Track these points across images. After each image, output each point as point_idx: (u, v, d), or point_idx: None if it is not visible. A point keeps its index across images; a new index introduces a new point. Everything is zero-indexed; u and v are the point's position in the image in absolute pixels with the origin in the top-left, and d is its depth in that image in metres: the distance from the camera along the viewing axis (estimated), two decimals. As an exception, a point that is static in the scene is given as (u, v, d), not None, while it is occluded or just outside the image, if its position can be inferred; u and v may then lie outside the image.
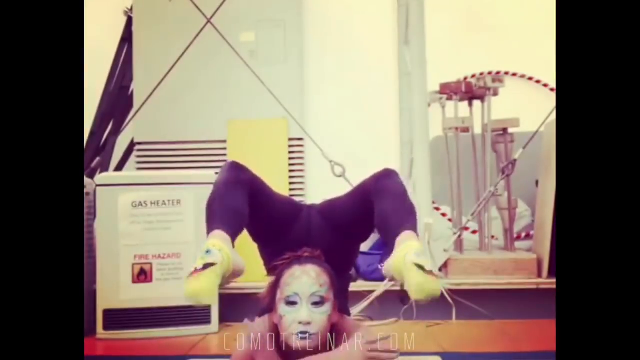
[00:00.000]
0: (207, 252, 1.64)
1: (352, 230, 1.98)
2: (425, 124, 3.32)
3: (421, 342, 2.46)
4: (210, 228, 1.75)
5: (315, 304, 1.71)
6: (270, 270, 1.89)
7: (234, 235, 1.75)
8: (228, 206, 1.80)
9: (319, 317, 1.71)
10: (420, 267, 1.58)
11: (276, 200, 1.98)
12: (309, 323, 1.69)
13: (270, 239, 1.99)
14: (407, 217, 1.81)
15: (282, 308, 1.73)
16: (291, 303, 1.72)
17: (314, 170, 3.61)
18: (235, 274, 1.72)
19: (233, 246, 1.72)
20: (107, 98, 3.79)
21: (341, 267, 1.95)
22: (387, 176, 1.90)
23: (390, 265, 1.68)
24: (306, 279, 1.72)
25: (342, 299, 1.94)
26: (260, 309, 1.90)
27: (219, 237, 1.69)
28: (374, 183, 1.88)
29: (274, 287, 1.79)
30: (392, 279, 1.75)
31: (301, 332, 1.69)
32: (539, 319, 2.85)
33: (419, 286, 1.56)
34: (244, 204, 1.83)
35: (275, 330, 1.78)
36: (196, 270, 1.60)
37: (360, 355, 1.72)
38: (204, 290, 1.58)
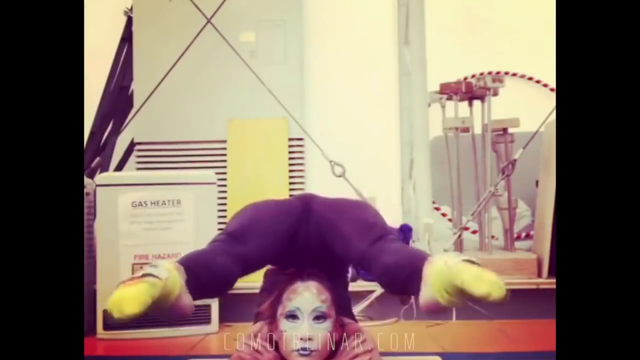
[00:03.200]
0: (153, 266, 1.52)
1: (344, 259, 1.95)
2: (425, 124, 3.33)
3: (421, 342, 2.46)
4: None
5: (317, 319, 1.70)
6: (270, 287, 1.90)
7: (196, 286, 1.58)
8: (201, 260, 1.68)
9: (321, 333, 1.69)
10: (470, 262, 1.48)
11: (272, 244, 1.84)
12: (310, 339, 1.67)
13: (281, 249, 1.93)
14: (420, 256, 1.68)
15: (283, 323, 1.72)
16: (292, 317, 1.70)
17: (314, 170, 3.61)
18: (176, 307, 1.53)
19: (187, 289, 1.54)
20: (107, 98, 3.79)
21: (337, 272, 1.97)
22: (380, 239, 1.78)
23: (430, 283, 1.51)
24: (308, 295, 1.71)
25: (345, 304, 1.95)
26: (255, 318, 1.91)
27: (175, 266, 1.56)
28: (366, 248, 1.77)
29: (275, 302, 1.77)
30: (435, 308, 1.54)
31: (302, 349, 1.67)
32: (539, 319, 2.85)
33: (477, 277, 1.43)
34: (226, 271, 1.70)
35: (272, 336, 1.77)
36: (132, 278, 1.47)
37: None
38: (129, 299, 1.42)
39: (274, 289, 1.84)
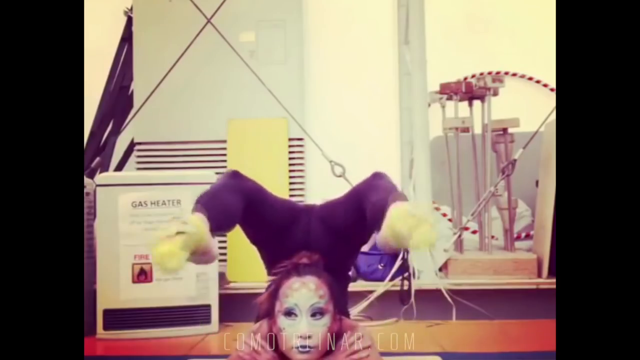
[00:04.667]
0: (184, 222, 1.66)
1: (350, 234, 1.97)
2: (425, 124, 3.32)
3: (421, 342, 2.46)
4: (193, 211, 1.77)
5: (315, 315, 1.71)
6: (270, 276, 1.90)
7: (215, 228, 1.74)
8: (217, 203, 1.82)
9: (319, 330, 1.71)
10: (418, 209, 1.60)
11: (275, 205, 1.98)
12: (309, 336, 1.69)
13: (269, 244, 1.99)
14: (397, 197, 1.74)
15: (281, 320, 1.73)
16: (290, 314, 1.72)
17: (314, 170, 3.61)
18: (207, 255, 1.70)
19: (210, 236, 1.71)
20: (107, 98, 3.78)
21: (340, 269, 1.97)
22: (377, 176, 1.90)
23: (385, 223, 1.63)
24: (305, 291, 1.72)
25: (342, 301, 1.94)
26: (256, 315, 1.90)
27: (199, 217, 1.71)
28: (364, 185, 1.89)
29: (272, 296, 1.78)
30: (384, 246, 1.70)
31: (301, 346, 1.69)
32: (539, 319, 2.85)
33: (400, 217, 1.58)
34: (236, 207, 1.84)
35: (271, 336, 1.78)
36: (168, 237, 1.62)
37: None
38: (170, 254, 1.59)
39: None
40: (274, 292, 1.78)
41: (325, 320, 1.72)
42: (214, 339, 2.66)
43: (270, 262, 1.98)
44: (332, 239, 1.94)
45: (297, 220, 1.97)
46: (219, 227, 1.77)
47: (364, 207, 1.83)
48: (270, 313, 1.78)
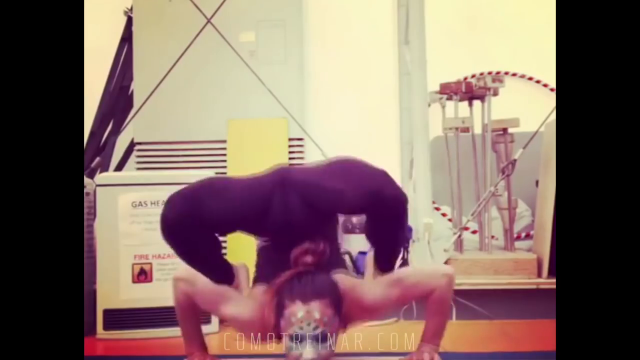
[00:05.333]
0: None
1: (334, 215, 2.05)
2: (425, 124, 3.32)
3: (421, 342, 2.46)
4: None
5: (320, 340, 1.75)
6: (265, 264, 1.99)
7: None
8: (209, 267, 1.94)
9: (324, 351, 1.76)
10: None
11: (244, 197, 1.91)
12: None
13: (250, 229, 1.99)
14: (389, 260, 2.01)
15: (286, 341, 1.77)
16: (296, 339, 1.75)
17: (314, 170, 3.60)
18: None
19: None
20: (107, 98, 3.78)
21: (327, 225, 2.01)
22: (392, 207, 1.87)
23: None
24: (310, 321, 1.75)
25: (337, 256, 2.03)
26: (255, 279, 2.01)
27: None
28: (371, 205, 1.84)
29: (277, 306, 1.81)
30: None
31: None
32: (539, 319, 2.84)
33: None
34: (218, 249, 1.94)
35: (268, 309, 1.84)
36: None
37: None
38: None
39: (269, 271, 1.91)
40: (278, 305, 1.81)
41: (330, 341, 1.77)
42: (214, 339, 2.66)
43: (258, 237, 2.05)
44: (315, 217, 1.92)
45: (271, 202, 1.89)
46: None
47: (358, 210, 1.89)
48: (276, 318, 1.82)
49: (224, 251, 2.84)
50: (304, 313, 1.74)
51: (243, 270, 2.05)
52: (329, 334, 1.76)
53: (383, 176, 1.86)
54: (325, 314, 1.75)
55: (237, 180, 1.99)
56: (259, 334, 1.90)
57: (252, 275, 2.09)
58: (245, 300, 1.94)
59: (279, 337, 1.83)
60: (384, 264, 2.01)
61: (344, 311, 1.85)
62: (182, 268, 2.00)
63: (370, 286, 1.95)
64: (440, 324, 2.01)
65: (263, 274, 2.02)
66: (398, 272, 2.02)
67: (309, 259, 1.83)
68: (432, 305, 1.98)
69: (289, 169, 2.03)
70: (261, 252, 2.09)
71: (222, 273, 1.97)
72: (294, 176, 1.94)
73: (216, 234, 1.93)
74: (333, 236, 2.10)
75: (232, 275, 2.00)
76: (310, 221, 1.90)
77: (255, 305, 1.90)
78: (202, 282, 1.95)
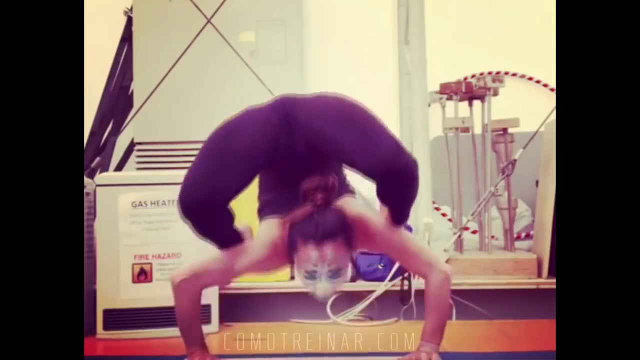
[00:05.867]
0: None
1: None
2: (425, 124, 3.32)
3: (421, 342, 2.46)
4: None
5: (334, 276, 1.82)
6: (267, 189, 2.04)
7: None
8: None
9: (338, 285, 1.85)
10: None
11: (250, 159, 1.90)
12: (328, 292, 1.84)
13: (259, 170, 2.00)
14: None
15: (301, 275, 1.85)
16: (310, 276, 1.82)
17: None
18: None
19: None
20: (107, 98, 3.78)
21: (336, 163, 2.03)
22: (403, 178, 1.87)
23: None
24: (324, 262, 1.80)
25: (344, 184, 2.06)
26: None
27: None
28: (381, 175, 1.84)
29: (289, 243, 1.86)
30: None
31: (322, 297, 1.88)
32: (539, 319, 2.84)
33: None
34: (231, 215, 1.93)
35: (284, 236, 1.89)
36: None
37: None
38: None
39: (275, 205, 1.96)
40: (290, 234, 1.85)
41: (343, 275, 1.85)
42: (214, 338, 2.66)
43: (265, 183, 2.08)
44: (321, 160, 1.93)
45: (278, 142, 1.89)
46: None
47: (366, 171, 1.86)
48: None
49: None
50: (317, 255, 1.79)
51: (248, 233, 2.05)
52: (342, 271, 1.84)
53: (394, 147, 1.85)
54: (339, 253, 1.80)
55: (238, 133, 1.92)
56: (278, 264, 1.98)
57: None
58: (253, 244, 1.98)
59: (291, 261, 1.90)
60: (397, 219, 1.98)
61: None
62: (177, 270, 2.07)
63: (378, 221, 1.97)
64: (437, 322, 2.02)
65: (268, 206, 2.03)
66: (408, 235, 2.07)
67: (319, 195, 1.83)
68: (428, 302, 2.01)
69: (292, 103, 1.95)
70: (264, 179, 2.08)
71: (232, 242, 1.97)
72: (298, 115, 1.90)
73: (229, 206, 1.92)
74: (339, 166, 2.09)
75: (242, 241, 1.99)
76: (317, 158, 1.91)
77: (266, 241, 1.94)
78: (202, 267, 2.00)
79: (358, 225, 1.91)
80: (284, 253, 1.90)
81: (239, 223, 2.01)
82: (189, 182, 1.89)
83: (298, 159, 1.91)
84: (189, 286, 2.00)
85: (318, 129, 1.88)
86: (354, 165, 1.88)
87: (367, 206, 2.10)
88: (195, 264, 2.02)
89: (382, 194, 1.92)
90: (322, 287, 1.82)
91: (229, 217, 1.94)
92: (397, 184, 1.86)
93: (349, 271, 3.12)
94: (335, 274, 1.82)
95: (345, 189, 2.08)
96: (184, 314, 2.04)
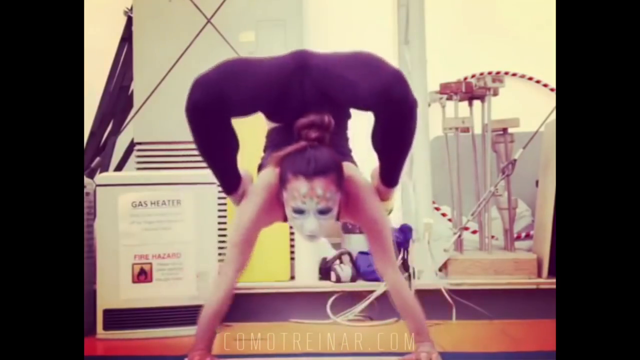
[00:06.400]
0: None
1: (347, 110, 2.06)
2: (425, 124, 3.32)
3: (421, 342, 2.46)
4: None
5: (323, 213, 1.79)
6: (274, 146, 2.00)
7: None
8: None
9: (326, 223, 1.82)
10: None
11: (262, 81, 1.91)
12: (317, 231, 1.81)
13: (264, 109, 2.01)
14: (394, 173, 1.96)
15: (289, 212, 1.83)
16: (299, 212, 1.80)
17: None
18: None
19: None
20: (107, 98, 3.78)
21: (340, 115, 2.01)
22: (402, 110, 1.83)
23: None
24: (313, 197, 1.77)
25: (343, 145, 2.05)
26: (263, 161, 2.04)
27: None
28: (379, 105, 1.83)
29: (280, 179, 1.84)
30: None
31: (309, 236, 1.84)
32: (539, 319, 2.85)
33: None
34: (234, 139, 1.94)
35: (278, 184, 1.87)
36: None
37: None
38: None
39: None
40: (281, 171, 1.84)
41: (332, 213, 1.81)
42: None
43: (270, 119, 2.07)
44: (329, 105, 1.92)
45: (290, 85, 1.92)
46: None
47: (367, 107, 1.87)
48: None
49: (223, 250, 2.81)
50: (307, 189, 1.77)
51: (248, 177, 2.05)
52: (330, 207, 1.79)
53: (396, 76, 1.83)
54: (328, 190, 1.78)
55: (256, 62, 1.96)
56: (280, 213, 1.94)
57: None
58: (252, 188, 1.97)
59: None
60: (388, 176, 1.97)
61: (342, 198, 1.87)
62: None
63: (368, 189, 1.96)
64: (416, 320, 2.00)
65: (273, 158, 2.00)
66: (388, 226, 2.03)
67: (313, 132, 1.83)
68: (397, 303, 2.01)
69: (309, 54, 2.02)
70: (271, 135, 2.08)
71: (231, 176, 1.98)
72: (312, 62, 1.96)
73: (235, 133, 1.93)
74: (344, 126, 2.09)
75: (239, 182, 2.00)
76: (324, 108, 1.90)
77: (264, 185, 1.93)
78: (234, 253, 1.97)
79: (347, 185, 1.89)
80: (280, 197, 1.88)
81: (240, 168, 2.02)
82: (194, 87, 1.88)
83: (306, 103, 1.91)
84: (227, 271, 2.01)
85: (327, 68, 1.94)
86: (357, 100, 1.88)
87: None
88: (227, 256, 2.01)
89: (378, 132, 1.89)
90: (309, 222, 1.78)
91: (233, 142, 1.93)
92: (395, 117, 1.83)
93: (349, 271, 3.12)
94: (325, 211, 1.79)
95: (346, 156, 2.05)
96: (211, 310, 2.08)
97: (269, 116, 2.05)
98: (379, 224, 1.96)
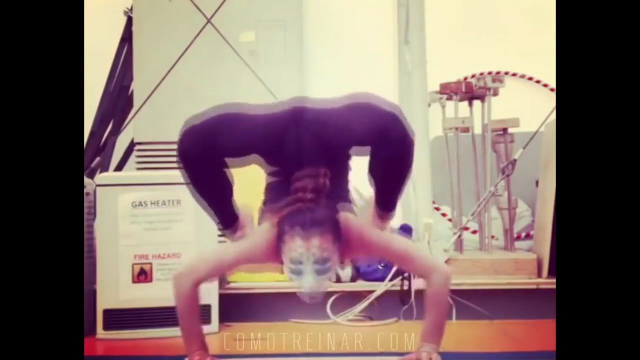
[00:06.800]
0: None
1: (345, 152, 2.01)
2: (425, 124, 3.32)
3: (421, 342, 2.46)
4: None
5: (320, 271, 1.78)
6: (272, 202, 1.98)
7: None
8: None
9: (324, 282, 1.81)
10: None
11: (257, 127, 1.93)
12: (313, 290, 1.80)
13: (261, 159, 2.00)
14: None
15: (287, 270, 1.82)
16: (296, 270, 1.79)
17: (313, 170, 3.60)
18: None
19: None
20: (107, 98, 3.78)
21: (338, 163, 2.00)
22: (400, 146, 1.84)
23: None
24: (310, 253, 1.77)
25: (345, 194, 2.02)
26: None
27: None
28: (377, 143, 1.83)
29: (278, 237, 1.85)
30: None
31: (309, 297, 1.82)
32: (539, 319, 2.84)
33: None
34: (229, 186, 1.96)
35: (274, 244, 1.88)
36: None
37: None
38: None
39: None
40: (279, 232, 1.84)
41: (330, 272, 1.80)
42: (214, 338, 2.66)
43: (267, 172, 2.05)
44: (327, 154, 1.92)
45: (285, 136, 1.92)
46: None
47: (366, 145, 1.86)
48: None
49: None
50: (303, 249, 1.77)
51: (247, 216, 2.06)
52: (328, 266, 1.79)
53: (394, 114, 1.84)
54: (325, 248, 1.78)
55: (252, 114, 1.96)
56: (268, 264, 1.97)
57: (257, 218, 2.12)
58: (249, 238, 1.98)
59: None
60: (385, 205, 1.98)
61: (344, 246, 1.87)
62: (180, 267, 2.05)
63: (373, 231, 1.98)
64: (436, 322, 2.02)
65: (270, 210, 2.02)
66: (407, 241, 2.07)
67: (308, 194, 1.84)
68: (428, 302, 2.01)
69: (304, 102, 2.00)
70: (269, 189, 2.08)
71: (228, 213, 1.99)
72: (308, 110, 1.95)
73: (228, 172, 1.95)
74: (343, 174, 2.08)
75: (236, 218, 2.01)
76: (322, 159, 1.91)
77: (261, 239, 1.94)
78: (199, 261, 2.03)
79: (347, 233, 1.90)
80: (277, 251, 1.89)
81: (243, 207, 2.03)
82: (187, 132, 1.93)
83: (303, 154, 1.91)
84: (185, 280, 2.00)
85: (322, 114, 1.93)
86: (355, 139, 1.87)
87: (366, 206, 2.07)
88: (192, 258, 2.04)
89: (374, 167, 1.90)
90: (308, 282, 1.78)
91: (227, 182, 1.94)
92: (393, 154, 1.84)
93: (349, 271, 3.12)
94: (322, 269, 1.79)
95: (345, 203, 2.04)
96: (183, 310, 2.04)
97: (264, 164, 2.04)
98: (392, 244, 1.99)
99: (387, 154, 1.84)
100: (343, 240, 1.87)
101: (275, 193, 2.01)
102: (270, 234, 1.91)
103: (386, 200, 1.98)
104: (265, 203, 2.09)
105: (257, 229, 2.02)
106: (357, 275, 3.19)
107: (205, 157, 1.87)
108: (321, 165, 1.88)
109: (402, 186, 1.95)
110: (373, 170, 1.91)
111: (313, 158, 1.90)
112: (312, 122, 1.92)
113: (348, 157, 2.06)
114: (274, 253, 1.91)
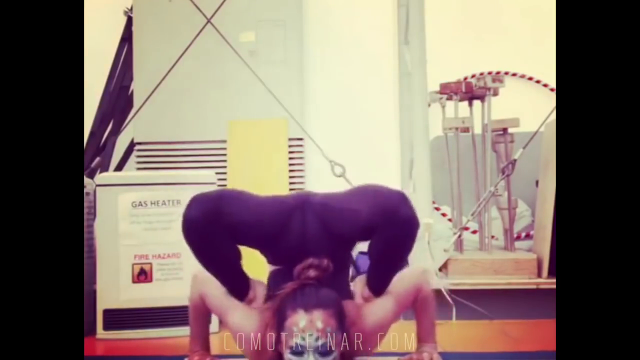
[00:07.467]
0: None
1: (352, 240, 2.00)
2: (425, 124, 3.32)
3: (421, 342, 2.46)
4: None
5: (323, 354, 1.68)
6: (271, 297, 1.88)
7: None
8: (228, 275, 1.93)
9: None
10: None
11: (263, 213, 1.92)
12: None
13: (265, 248, 1.98)
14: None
15: (287, 356, 1.70)
16: (297, 353, 1.68)
17: (313, 170, 3.61)
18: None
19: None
20: (107, 98, 3.79)
21: (339, 265, 1.94)
22: (404, 228, 1.84)
23: None
24: (312, 332, 1.67)
25: (347, 295, 1.96)
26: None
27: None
28: (384, 222, 1.82)
29: (278, 321, 1.75)
30: None
31: None
32: (539, 319, 2.85)
33: None
34: (235, 256, 1.91)
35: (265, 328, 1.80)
36: None
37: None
38: None
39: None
40: (277, 318, 1.75)
41: (334, 355, 1.69)
42: (214, 339, 2.65)
43: (271, 260, 2.00)
44: (331, 242, 1.91)
45: (290, 220, 1.91)
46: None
47: (370, 230, 1.85)
48: (275, 327, 1.76)
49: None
50: (306, 322, 1.67)
51: (260, 286, 1.99)
52: (331, 346, 1.68)
53: (399, 197, 1.84)
54: (329, 325, 1.68)
55: (257, 196, 1.97)
56: (257, 351, 1.84)
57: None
58: (251, 314, 1.89)
59: (280, 357, 1.75)
60: (378, 283, 1.96)
61: (350, 339, 1.80)
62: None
63: (369, 308, 1.93)
64: (431, 321, 2.05)
65: (271, 298, 1.93)
66: (390, 298, 1.99)
67: (311, 272, 1.77)
68: (420, 304, 2.02)
69: (310, 193, 2.02)
70: (272, 278, 2.02)
71: (238, 283, 1.95)
72: (314, 199, 1.96)
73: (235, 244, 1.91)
74: (345, 265, 2.07)
75: (248, 288, 1.96)
76: (327, 247, 1.89)
77: (260, 321, 1.84)
78: (214, 285, 1.95)
79: (356, 324, 1.86)
80: (270, 339, 1.79)
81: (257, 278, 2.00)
82: (197, 199, 1.85)
83: (308, 242, 1.89)
84: (196, 287, 2.00)
85: (329, 203, 1.94)
86: (361, 224, 1.86)
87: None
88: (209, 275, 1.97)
89: (377, 246, 1.88)
90: None
91: (235, 251, 1.90)
92: (398, 235, 1.84)
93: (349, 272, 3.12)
94: (325, 351, 1.67)
95: (347, 292, 1.99)
96: (191, 311, 2.04)
97: (268, 251, 2.00)
98: (396, 314, 2.00)
99: (393, 233, 1.82)
100: (347, 325, 1.79)
101: (278, 281, 1.91)
102: (265, 322, 1.82)
103: (379, 281, 1.96)
104: (268, 290, 2.00)
105: (258, 311, 1.92)
106: (357, 275, 3.19)
107: (212, 222, 1.81)
108: (324, 254, 1.82)
109: (398, 269, 1.96)
110: (373, 249, 1.90)
111: (317, 244, 1.88)
112: (317, 204, 1.93)
113: (351, 246, 2.05)
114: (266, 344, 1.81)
